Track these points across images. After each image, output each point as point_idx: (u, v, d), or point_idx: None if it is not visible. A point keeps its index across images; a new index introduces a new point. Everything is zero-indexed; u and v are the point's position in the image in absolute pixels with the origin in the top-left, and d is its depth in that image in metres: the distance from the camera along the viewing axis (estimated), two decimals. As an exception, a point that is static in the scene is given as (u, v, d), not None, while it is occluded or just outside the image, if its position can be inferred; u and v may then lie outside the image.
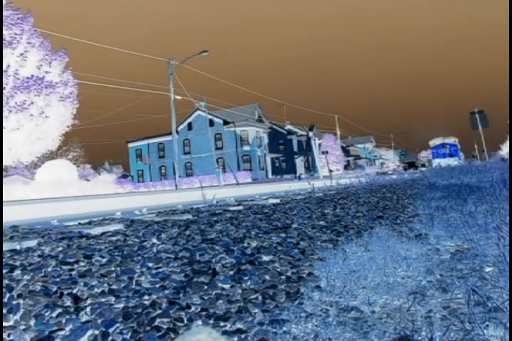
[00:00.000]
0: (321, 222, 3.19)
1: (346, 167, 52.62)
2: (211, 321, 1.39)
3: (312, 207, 4.11)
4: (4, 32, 15.45)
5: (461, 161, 36.49)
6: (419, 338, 1.20)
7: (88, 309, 1.43)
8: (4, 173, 18.25)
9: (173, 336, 1.28)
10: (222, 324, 1.37)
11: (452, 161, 34.53)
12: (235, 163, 39.54)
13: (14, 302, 1.44)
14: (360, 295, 1.60)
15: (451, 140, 39.87)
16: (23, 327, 1.31)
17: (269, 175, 42.33)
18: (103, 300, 1.50)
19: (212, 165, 31.47)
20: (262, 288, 1.69)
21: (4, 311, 1.39)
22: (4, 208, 3.93)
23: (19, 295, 1.49)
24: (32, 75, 15.74)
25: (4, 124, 14.92)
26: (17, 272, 1.72)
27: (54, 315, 1.38)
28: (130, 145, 49.39)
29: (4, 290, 1.53)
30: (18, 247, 2.17)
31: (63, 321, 1.34)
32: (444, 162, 35.35)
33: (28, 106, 15.46)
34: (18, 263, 1.85)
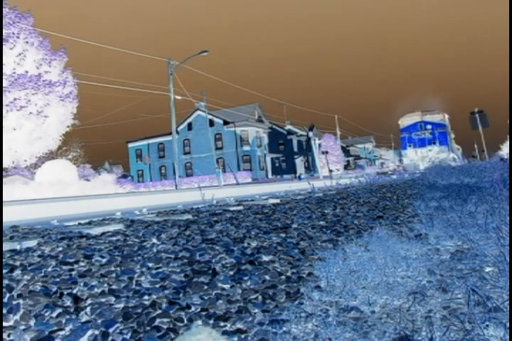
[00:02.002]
0: (321, 222, 3.18)
1: (346, 167, 52.60)
2: (211, 321, 1.39)
3: (312, 207, 4.11)
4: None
5: (454, 155, 24.18)
6: (419, 338, 1.20)
7: (88, 309, 1.43)
8: (4, 173, 18.25)
9: (173, 336, 1.28)
10: (222, 324, 1.37)
11: (436, 153, 22.23)
12: (235, 163, 39.55)
13: (14, 302, 1.44)
14: (360, 295, 1.60)
15: (437, 117, 23.84)
16: (23, 327, 1.31)
17: (269, 175, 42.35)
18: (103, 300, 1.50)
19: (212, 165, 31.47)
20: (262, 288, 1.69)
21: (4, 311, 1.39)
22: (4, 208, 3.93)
23: (19, 295, 1.49)
24: (26, 71, 15.70)
25: (4, 123, 14.91)
26: (17, 272, 1.72)
27: (54, 315, 1.38)
28: (130, 145, 49.41)
29: (4, 290, 1.53)
30: (18, 247, 2.17)
31: (63, 321, 1.34)
32: (421, 154, 22.80)
33: (26, 104, 15.44)
34: (18, 263, 1.85)
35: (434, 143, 23.68)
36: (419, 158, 23.81)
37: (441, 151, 23.32)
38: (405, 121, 25.45)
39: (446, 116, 25.48)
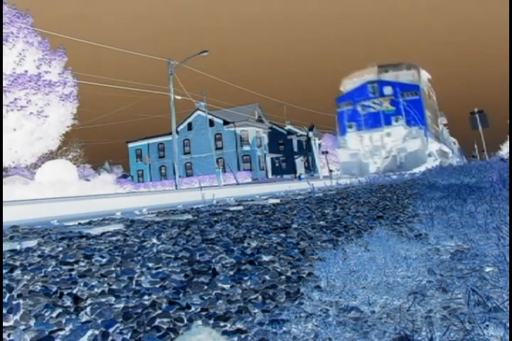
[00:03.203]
0: (321, 222, 3.18)
1: (346, 167, 52.43)
2: (211, 321, 1.39)
3: (312, 207, 4.11)
4: None
5: (442, 147, 15.60)
6: (419, 338, 1.20)
7: (88, 309, 1.43)
8: (4, 173, 18.26)
9: (173, 336, 1.28)
10: (222, 324, 1.37)
11: (401, 140, 12.56)
12: (235, 163, 39.56)
13: (14, 302, 1.44)
14: (360, 295, 1.60)
15: (405, 75, 13.53)
16: (23, 327, 1.31)
17: (269, 175, 42.37)
18: (103, 300, 1.50)
19: (212, 165, 31.49)
20: (262, 288, 1.69)
21: (4, 311, 1.39)
22: (4, 208, 3.93)
23: (19, 295, 1.49)
24: (26, 71, 15.71)
25: (4, 124, 14.91)
26: (17, 272, 1.72)
27: (54, 315, 1.38)
28: (130, 145, 49.46)
29: (4, 290, 1.53)
30: (18, 247, 2.17)
31: (63, 321, 1.34)
32: (372, 143, 12.95)
33: (26, 104, 15.45)
34: (18, 263, 1.85)
35: (397, 121, 12.92)
36: (368, 151, 13.29)
37: (410, 136, 12.43)
38: (350, 84, 14.49)
39: (425, 74, 14.56)
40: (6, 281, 1.61)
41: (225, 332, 1.31)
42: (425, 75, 14.73)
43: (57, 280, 1.65)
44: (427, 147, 13.49)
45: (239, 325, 1.36)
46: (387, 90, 13.33)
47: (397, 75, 13.61)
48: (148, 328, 1.31)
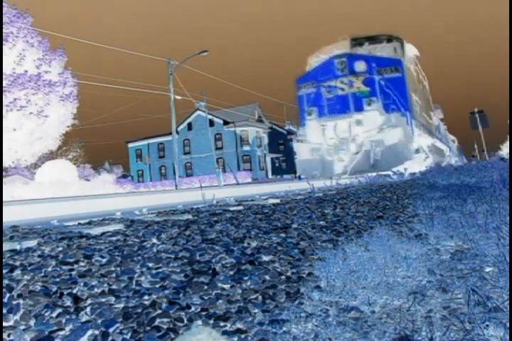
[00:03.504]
0: (321, 222, 3.18)
1: (346, 167, 52.39)
2: (211, 321, 1.39)
3: (312, 207, 4.11)
4: None
5: (435, 143, 12.96)
6: (419, 338, 1.20)
7: (88, 309, 1.43)
8: (4, 173, 18.26)
9: (173, 336, 1.28)
10: (222, 324, 1.37)
11: (376, 130, 9.76)
12: (235, 163, 39.56)
13: (14, 302, 1.44)
14: (360, 295, 1.60)
15: (385, 49, 10.63)
16: (23, 327, 1.31)
17: (269, 175, 42.38)
18: (103, 300, 1.50)
19: (212, 165, 31.50)
20: (262, 288, 1.69)
21: (4, 311, 1.39)
22: (4, 208, 3.93)
23: (19, 295, 1.49)
24: (26, 71, 15.71)
25: (4, 124, 14.92)
26: (17, 272, 1.72)
27: (54, 315, 1.38)
28: (130, 145, 49.47)
29: (4, 290, 1.53)
30: (18, 247, 2.17)
31: (63, 321, 1.34)
32: (339, 134, 10.21)
33: (26, 104, 15.45)
34: (18, 263, 1.85)
35: (370, 105, 10.19)
36: (333, 145, 10.46)
37: (388, 125, 9.76)
38: (317, 62, 11.74)
39: (411, 49, 11.82)
40: (6, 281, 1.61)
41: (225, 332, 1.31)
42: (411, 51, 11.71)
43: (57, 280, 1.65)
44: (412, 140, 10.64)
45: (239, 325, 1.36)
46: (360, 66, 10.41)
47: (374, 48, 10.92)
48: (148, 328, 1.31)
